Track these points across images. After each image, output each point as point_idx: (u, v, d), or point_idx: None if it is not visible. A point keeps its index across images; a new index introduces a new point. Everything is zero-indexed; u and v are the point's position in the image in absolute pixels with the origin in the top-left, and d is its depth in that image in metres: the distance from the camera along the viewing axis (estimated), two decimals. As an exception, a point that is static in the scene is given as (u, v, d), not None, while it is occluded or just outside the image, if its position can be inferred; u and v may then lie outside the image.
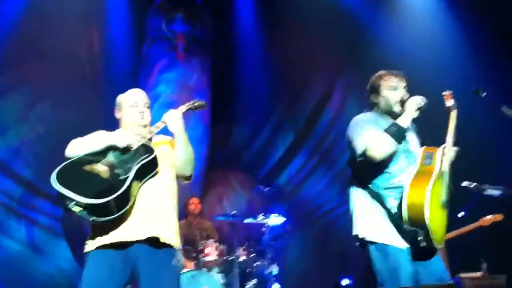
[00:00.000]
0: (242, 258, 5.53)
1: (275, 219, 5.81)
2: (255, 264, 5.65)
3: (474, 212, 5.32)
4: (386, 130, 2.90)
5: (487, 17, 6.52)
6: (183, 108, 3.08)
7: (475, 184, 4.88)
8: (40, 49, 6.50)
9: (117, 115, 3.06)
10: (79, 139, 2.84)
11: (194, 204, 6.34)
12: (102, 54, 7.07)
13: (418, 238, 2.80)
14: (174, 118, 2.95)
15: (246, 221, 5.78)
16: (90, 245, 2.77)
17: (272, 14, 7.65)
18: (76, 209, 2.53)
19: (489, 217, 5.16)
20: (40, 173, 6.07)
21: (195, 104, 3.16)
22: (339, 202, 6.92)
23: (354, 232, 3.03)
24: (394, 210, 2.90)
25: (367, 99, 3.19)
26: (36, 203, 6.29)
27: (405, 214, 2.79)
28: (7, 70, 6.43)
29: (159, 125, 2.95)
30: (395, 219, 2.89)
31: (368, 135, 2.91)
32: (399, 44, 6.92)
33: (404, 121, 2.95)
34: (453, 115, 3.08)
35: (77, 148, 2.77)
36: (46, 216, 6.34)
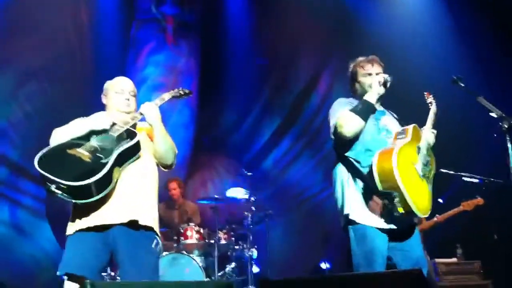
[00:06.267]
0: (222, 242, 5.60)
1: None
2: (235, 248, 5.75)
3: (453, 198, 5.41)
4: (353, 109, 3.01)
5: (480, 10, 6.51)
6: (166, 96, 3.15)
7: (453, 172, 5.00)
8: (28, 26, 6.40)
9: (104, 100, 3.17)
10: (60, 128, 2.92)
11: (172, 189, 6.22)
12: (91, 33, 7.01)
13: (395, 201, 2.84)
14: (150, 110, 3.00)
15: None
16: (71, 228, 2.85)
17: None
18: (57, 191, 2.59)
19: (471, 201, 5.27)
20: (26, 154, 5.99)
21: (180, 92, 3.24)
22: (323, 187, 6.98)
23: (345, 212, 3.03)
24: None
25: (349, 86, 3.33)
26: (21, 184, 6.25)
27: (376, 178, 2.87)
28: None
29: (137, 116, 3.01)
30: (372, 186, 2.92)
31: (338, 115, 3.03)
32: (387, 31, 6.92)
33: (370, 96, 3.07)
34: (433, 107, 3.29)
35: (59, 137, 2.85)
36: (30, 197, 6.31)
